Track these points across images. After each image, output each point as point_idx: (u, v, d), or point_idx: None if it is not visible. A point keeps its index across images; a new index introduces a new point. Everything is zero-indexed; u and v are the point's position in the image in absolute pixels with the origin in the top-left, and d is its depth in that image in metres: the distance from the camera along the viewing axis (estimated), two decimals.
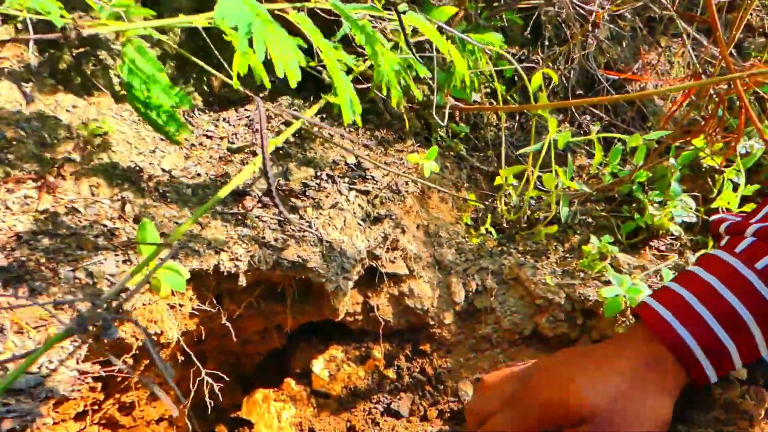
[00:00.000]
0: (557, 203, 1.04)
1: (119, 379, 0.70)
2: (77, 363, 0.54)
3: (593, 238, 0.98)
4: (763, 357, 0.71)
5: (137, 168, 0.74)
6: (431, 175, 1.08)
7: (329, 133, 0.96)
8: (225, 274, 0.72)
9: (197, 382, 0.75)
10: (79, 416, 0.71)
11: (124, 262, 0.63)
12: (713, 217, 0.79)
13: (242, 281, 0.73)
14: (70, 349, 0.53)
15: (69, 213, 0.64)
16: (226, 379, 0.85)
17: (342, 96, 0.64)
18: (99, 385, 0.69)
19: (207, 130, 0.87)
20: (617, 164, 1.18)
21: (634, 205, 1.14)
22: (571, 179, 1.05)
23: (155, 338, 0.68)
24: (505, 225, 1.10)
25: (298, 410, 0.93)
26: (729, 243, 0.74)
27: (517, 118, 1.29)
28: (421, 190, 1.03)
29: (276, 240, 0.76)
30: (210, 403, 0.78)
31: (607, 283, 0.91)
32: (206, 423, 0.94)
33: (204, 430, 0.92)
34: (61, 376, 0.51)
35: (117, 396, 0.74)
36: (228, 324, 0.76)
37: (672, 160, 1.09)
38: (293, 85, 0.59)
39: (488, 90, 1.28)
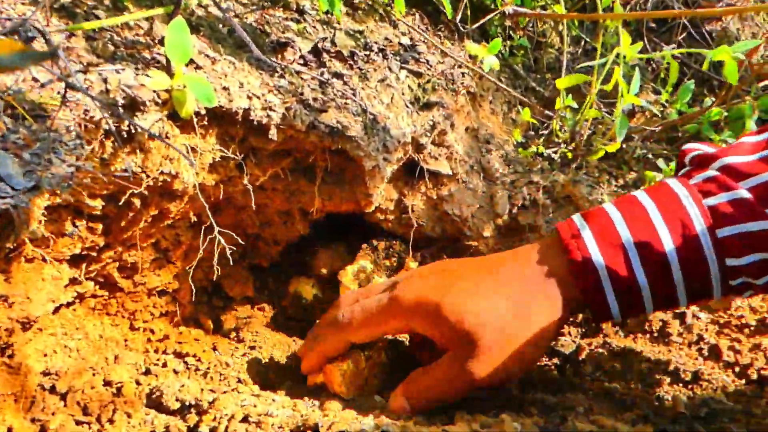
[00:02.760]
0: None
1: (123, 224, 0.62)
2: (77, 160, 0.45)
3: (660, 161, 0.88)
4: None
5: None
6: (486, 83, 0.98)
7: (382, 12, 0.86)
8: (255, 123, 0.63)
9: (207, 241, 0.67)
10: (75, 261, 0.63)
11: (146, 77, 0.54)
12: (684, 146, 0.67)
13: (273, 134, 0.64)
14: (71, 145, 0.45)
15: (87, 17, 0.55)
16: (239, 244, 0.77)
17: None
18: (99, 226, 0.61)
19: None
20: (686, 103, 1.07)
21: None
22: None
23: (168, 180, 0.59)
24: (557, 151, 1.00)
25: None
26: (687, 173, 0.62)
27: (582, 43, 1.18)
28: (472, 94, 0.93)
29: (315, 100, 0.67)
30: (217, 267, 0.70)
31: None
32: (211, 310, 0.86)
33: (208, 316, 0.85)
34: (56, 170, 0.43)
35: (118, 250, 0.66)
36: (249, 186, 0.67)
37: (748, 102, 0.98)
38: None
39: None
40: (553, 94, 1.13)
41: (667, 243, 0.57)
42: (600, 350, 0.76)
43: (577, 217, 0.62)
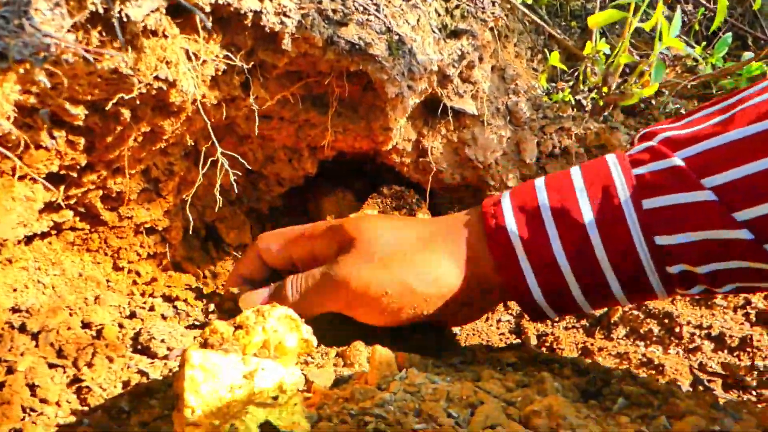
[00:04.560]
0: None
1: (109, 140, 0.53)
2: (56, 31, 0.36)
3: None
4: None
5: None
6: (511, 23, 0.90)
7: None
8: (266, 30, 0.54)
9: (209, 165, 0.59)
10: (52, 183, 0.55)
11: None
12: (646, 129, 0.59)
13: (287, 44, 0.55)
14: (48, 15, 0.36)
15: None
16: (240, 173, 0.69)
17: None
18: (81, 141, 0.52)
19: None
20: (722, 57, 1.00)
21: None
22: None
23: (164, 88, 0.51)
24: (587, 98, 0.92)
25: None
26: (629, 149, 0.54)
27: None
28: (498, 32, 0.84)
29: (335, 12, 0.59)
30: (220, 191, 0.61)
31: None
32: (205, 255, 0.78)
33: (201, 262, 0.76)
34: (28, 38, 0.34)
35: (102, 174, 0.57)
36: (254, 107, 0.59)
37: None
38: None
39: None
40: (578, 43, 1.05)
41: (586, 211, 0.49)
42: (635, 312, 0.69)
43: (504, 195, 0.54)
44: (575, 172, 0.51)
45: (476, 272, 0.52)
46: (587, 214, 0.49)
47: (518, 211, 0.51)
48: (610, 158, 0.51)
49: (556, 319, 0.54)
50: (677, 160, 0.47)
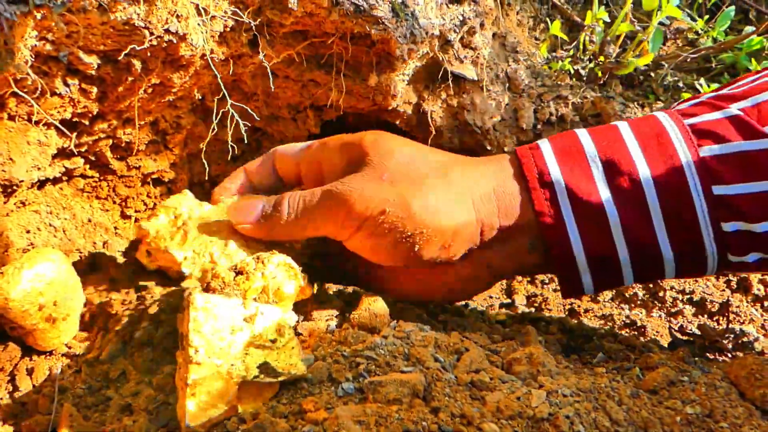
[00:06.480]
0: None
1: (120, 90, 0.55)
2: None
3: (702, 81, 0.82)
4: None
5: None
6: None
7: None
8: None
9: (216, 120, 0.61)
10: (65, 127, 0.57)
11: None
12: None
13: (293, 3, 0.57)
14: None
15: None
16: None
17: None
18: (94, 90, 0.54)
19: None
20: (723, 31, 1.01)
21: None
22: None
23: (174, 41, 0.52)
24: (585, 68, 0.94)
25: None
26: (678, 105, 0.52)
27: None
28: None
29: None
30: (232, 147, 0.64)
31: None
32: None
33: None
34: None
35: (113, 123, 0.60)
36: (265, 63, 0.61)
37: None
38: None
39: None
40: (581, 14, 1.06)
41: (638, 158, 0.45)
42: None
43: (542, 142, 0.50)
44: (621, 124, 0.48)
45: (507, 224, 0.47)
46: (639, 162, 0.45)
47: (561, 156, 0.47)
48: (658, 113, 0.48)
49: (589, 294, 0.51)
50: (734, 110, 0.45)
